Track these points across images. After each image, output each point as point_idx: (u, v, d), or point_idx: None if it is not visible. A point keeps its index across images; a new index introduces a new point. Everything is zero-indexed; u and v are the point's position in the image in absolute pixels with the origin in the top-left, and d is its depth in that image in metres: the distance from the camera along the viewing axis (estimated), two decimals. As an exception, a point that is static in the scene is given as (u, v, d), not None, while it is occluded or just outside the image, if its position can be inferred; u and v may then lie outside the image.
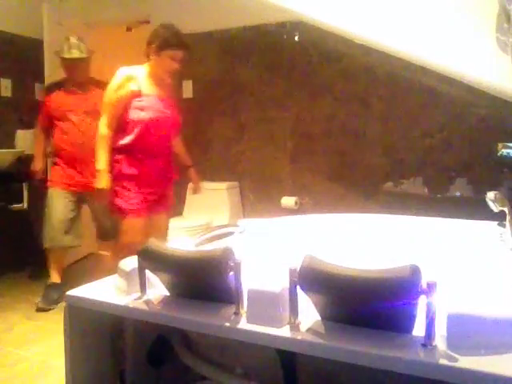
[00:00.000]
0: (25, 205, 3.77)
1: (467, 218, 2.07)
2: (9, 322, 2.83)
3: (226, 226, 2.02)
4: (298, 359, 1.09)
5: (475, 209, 1.95)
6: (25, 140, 3.90)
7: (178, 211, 3.83)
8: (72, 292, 1.32)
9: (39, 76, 3.74)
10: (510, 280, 1.25)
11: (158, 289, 1.28)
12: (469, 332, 0.91)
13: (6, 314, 2.96)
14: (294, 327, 1.03)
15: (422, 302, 0.92)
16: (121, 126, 2.48)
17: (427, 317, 0.91)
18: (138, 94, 2.46)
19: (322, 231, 2.03)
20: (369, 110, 3.26)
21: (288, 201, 3.50)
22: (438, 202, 3.07)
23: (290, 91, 3.49)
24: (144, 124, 2.45)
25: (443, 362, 0.88)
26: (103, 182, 2.45)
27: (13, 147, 3.85)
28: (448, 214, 2.21)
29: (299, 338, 1.00)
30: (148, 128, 2.46)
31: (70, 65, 3.18)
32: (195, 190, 3.00)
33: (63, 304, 1.33)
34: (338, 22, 2.58)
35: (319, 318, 1.06)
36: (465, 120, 3.00)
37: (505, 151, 2.61)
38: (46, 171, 3.42)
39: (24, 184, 3.75)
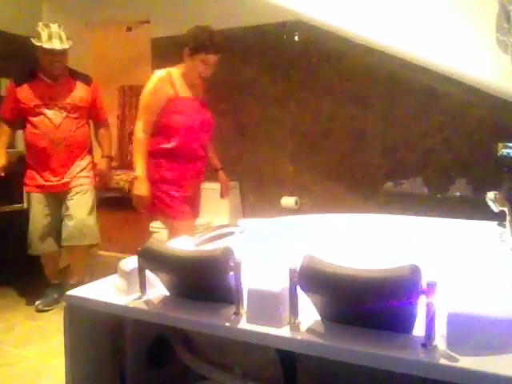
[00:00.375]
0: (25, 205, 3.76)
1: (467, 218, 2.07)
2: (9, 322, 2.83)
3: (225, 225, 2.02)
4: (298, 359, 1.09)
5: (475, 209, 1.96)
6: (25, 140, 3.90)
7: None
8: (72, 292, 1.32)
9: (39, 76, 3.73)
10: (510, 280, 1.25)
11: (158, 289, 1.28)
12: (469, 332, 0.91)
13: (6, 314, 2.96)
14: (294, 327, 1.03)
15: (421, 302, 0.92)
16: (159, 129, 2.44)
17: (427, 317, 0.91)
18: (174, 98, 2.42)
19: (322, 231, 2.03)
20: (369, 110, 3.26)
21: (288, 201, 3.50)
22: (438, 202, 3.07)
23: (290, 91, 3.49)
24: (183, 128, 2.42)
25: (443, 362, 0.88)
26: (142, 188, 2.40)
27: (13, 147, 3.84)
28: (448, 214, 2.21)
29: (299, 337, 1.00)
30: (187, 131, 2.44)
31: (49, 56, 2.84)
32: (223, 194, 2.85)
33: (63, 304, 1.33)
34: (338, 21, 2.58)
35: (319, 318, 1.06)
36: (465, 120, 3.00)
37: (505, 151, 2.61)
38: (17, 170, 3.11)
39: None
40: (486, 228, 1.91)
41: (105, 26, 4.33)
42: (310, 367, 1.11)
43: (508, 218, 1.64)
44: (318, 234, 1.96)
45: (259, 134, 3.63)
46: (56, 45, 2.82)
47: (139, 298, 1.24)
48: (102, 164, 3.18)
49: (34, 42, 2.81)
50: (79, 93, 3.03)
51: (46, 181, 2.98)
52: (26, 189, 3.07)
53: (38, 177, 2.99)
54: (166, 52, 3.92)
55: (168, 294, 1.26)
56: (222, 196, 2.87)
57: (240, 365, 1.20)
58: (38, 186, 2.99)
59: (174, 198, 2.46)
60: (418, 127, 3.13)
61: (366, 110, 3.27)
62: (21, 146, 3.84)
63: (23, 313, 2.98)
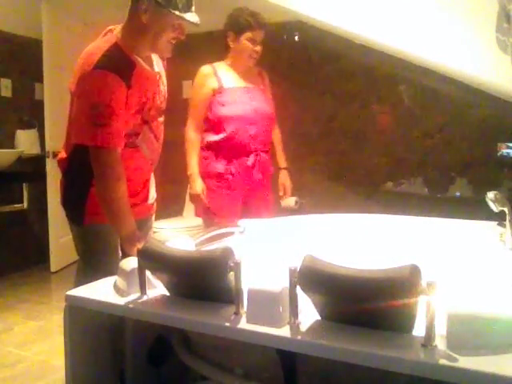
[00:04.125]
0: (25, 205, 3.77)
1: (467, 218, 2.07)
2: (9, 322, 2.83)
3: (226, 225, 2.02)
4: (298, 359, 1.09)
5: (475, 209, 1.96)
6: (25, 140, 3.90)
7: (178, 211, 3.83)
8: (72, 292, 1.32)
9: (39, 76, 3.74)
10: (509, 280, 1.25)
11: (158, 289, 1.28)
12: (469, 332, 0.91)
13: (6, 314, 2.96)
14: (294, 327, 1.03)
15: (421, 302, 0.92)
16: (207, 124, 2.38)
17: (427, 317, 0.91)
18: (218, 90, 2.35)
19: (322, 231, 2.03)
20: (369, 110, 3.26)
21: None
22: (438, 202, 3.07)
23: (290, 91, 3.49)
24: (229, 119, 2.33)
25: (443, 362, 0.87)
26: (196, 186, 2.32)
27: (13, 147, 3.85)
28: (448, 214, 2.21)
29: (299, 338, 1.00)
30: (234, 123, 2.33)
31: (176, 32, 1.66)
32: (284, 195, 2.61)
33: (63, 304, 1.33)
34: (338, 21, 2.58)
35: (319, 318, 1.06)
36: (465, 120, 3.00)
37: (505, 151, 2.61)
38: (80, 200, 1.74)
39: (24, 184, 3.76)
40: (486, 228, 1.91)
41: (105, 25, 4.32)
42: (310, 367, 1.11)
43: (508, 217, 1.64)
44: (318, 234, 1.96)
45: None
46: (195, 18, 1.64)
47: (139, 298, 1.24)
48: None
49: (165, 3, 1.57)
50: (165, 79, 1.88)
51: (132, 204, 1.74)
52: (87, 219, 1.72)
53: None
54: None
55: (168, 294, 1.26)
56: (282, 199, 2.62)
57: (240, 365, 1.20)
58: None
59: (217, 193, 2.36)
60: (418, 127, 3.13)
61: (365, 110, 3.27)
62: (20, 147, 3.85)
63: (23, 313, 2.98)
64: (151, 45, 1.69)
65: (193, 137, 2.37)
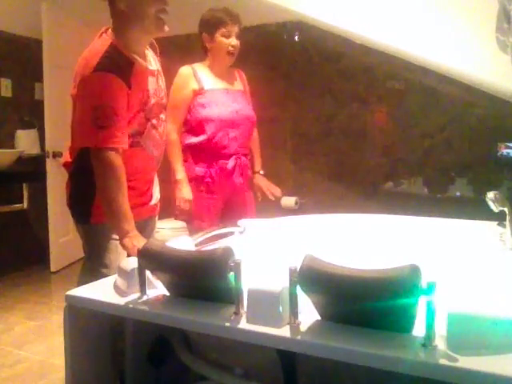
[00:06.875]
0: (25, 205, 3.77)
1: (467, 218, 2.07)
2: (9, 322, 2.83)
3: (225, 226, 2.02)
4: (298, 359, 1.09)
5: (475, 209, 1.96)
6: (25, 140, 3.90)
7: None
8: (72, 292, 1.32)
9: (39, 76, 3.74)
10: (510, 280, 1.25)
11: (158, 289, 1.28)
12: (469, 332, 0.91)
13: (6, 314, 2.97)
14: (294, 327, 1.03)
15: (422, 302, 0.92)
16: (186, 126, 2.33)
17: (427, 317, 0.91)
18: (199, 91, 2.30)
19: (322, 231, 2.03)
20: (369, 109, 3.26)
21: (288, 201, 3.50)
22: (438, 202, 3.07)
23: (290, 91, 3.49)
24: (209, 121, 2.28)
25: (443, 362, 0.87)
26: (186, 191, 2.24)
27: (13, 147, 3.86)
28: (448, 214, 2.21)
29: (299, 338, 1.00)
30: (214, 125, 2.29)
31: (159, 2, 1.67)
32: (260, 197, 2.56)
33: (63, 304, 1.33)
34: (338, 21, 2.58)
35: (319, 318, 1.06)
36: (465, 120, 3.00)
37: (505, 151, 2.61)
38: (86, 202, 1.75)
39: (24, 184, 3.76)
40: (486, 228, 1.91)
41: (104, 26, 4.32)
42: (310, 367, 1.11)
43: (508, 217, 1.64)
44: (318, 234, 1.96)
45: (259, 133, 3.62)
46: None
47: (139, 298, 1.24)
48: None
49: None
50: (163, 76, 1.92)
51: (136, 204, 1.77)
52: (93, 219, 1.73)
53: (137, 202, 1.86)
54: (165, 52, 3.93)
55: (168, 294, 1.26)
56: (259, 199, 2.57)
57: (240, 365, 1.20)
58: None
59: (196, 197, 2.29)
60: (418, 127, 3.13)
61: (365, 110, 3.27)
62: (20, 147, 3.86)
63: (23, 313, 2.98)
64: (143, 28, 1.69)
65: (176, 140, 2.30)
